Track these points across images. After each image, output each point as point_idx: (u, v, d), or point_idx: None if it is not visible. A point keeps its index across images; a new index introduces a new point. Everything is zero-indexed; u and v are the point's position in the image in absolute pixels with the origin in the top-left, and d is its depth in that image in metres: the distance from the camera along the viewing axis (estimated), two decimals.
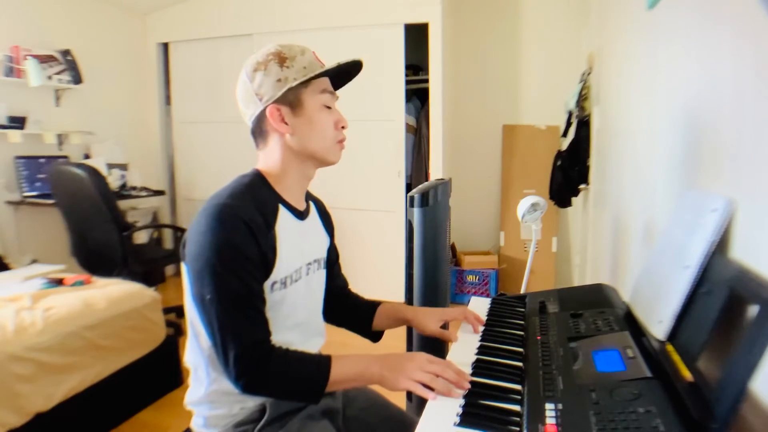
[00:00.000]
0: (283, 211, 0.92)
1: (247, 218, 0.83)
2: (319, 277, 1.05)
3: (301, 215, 0.97)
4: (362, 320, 1.13)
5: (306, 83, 0.89)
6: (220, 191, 0.87)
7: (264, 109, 0.90)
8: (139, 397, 2.11)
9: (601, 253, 2.32)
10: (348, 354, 0.87)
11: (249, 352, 0.81)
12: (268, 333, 0.85)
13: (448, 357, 0.92)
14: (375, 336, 1.15)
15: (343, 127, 0.95)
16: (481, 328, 1.04)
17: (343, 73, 0.97)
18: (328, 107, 0.93)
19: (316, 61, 0.92)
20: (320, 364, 0.84)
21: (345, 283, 1.20)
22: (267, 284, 0.88)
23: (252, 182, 0.91)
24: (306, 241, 0.99)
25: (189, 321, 0.91)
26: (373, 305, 1.13)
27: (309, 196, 1.05)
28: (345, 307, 1.16)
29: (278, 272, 0.89)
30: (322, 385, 0.83)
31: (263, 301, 0.86)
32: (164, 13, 3.88)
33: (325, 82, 0.94)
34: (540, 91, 3.56)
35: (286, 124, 0.90)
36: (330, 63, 0.93)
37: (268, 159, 0.94)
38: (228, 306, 0.81)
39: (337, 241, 1.15)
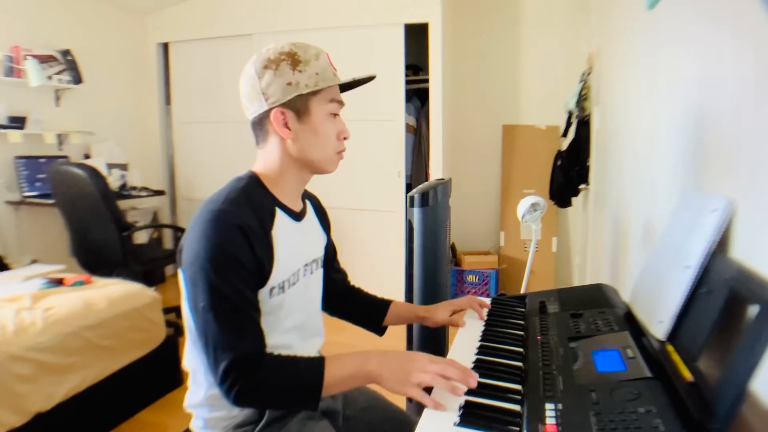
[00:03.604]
0: (280, 214, 0.91)
1: (243, 224, 0.81)
2: (317, 277, 1.05)
3: (297, 216, 0.96)
4: (374, 317, 1.16)
5: (316, 91, 0.87)
6: (215, 196, 0.86)
7: (268, 110, 0.88)
8: (139, 397, 2.11)
9: (601, 253, 2.32)
10: (343, 353, 0.84)
11: (240, 363, 0.77)
12: (261, 343, 0.82)
13: (448, 356, 0.92)
14: (382, 330, 1.17)
15: (345, 138, 0.94)
16: (482, 327, 1.04)
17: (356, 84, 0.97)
18: (335, 115, 0.92)
19: (329, 68, 0.89)
20: (313, 368, 0.80)
21: (345, 276, 1.21)
22: (266, 290, 0.86)
23: (248, 185, 0.89)
24: (304, 241, 0.98)
25: (187, 326, 0.90)
26: (385, 303, 1.16)
27: (304, 194, 1.04)
28: (352, 302, 1.18)
29: (276, 277, 0.88)
30: (318, 390, 0.78)
31: (257, 310, 0.84)
32: (164, 13, 3.88)
33: (335, 90, 0.92)
34: (540, 91, 3.56)
35: (288, 129, 0.88)
36: (337, 66, 0.91)
37: (265, 159, 0.93)
38: (221, 315, 0.78)
39: (334, 237, 1.16)
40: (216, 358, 0.78)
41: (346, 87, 0.97)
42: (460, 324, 1.07)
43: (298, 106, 0.88)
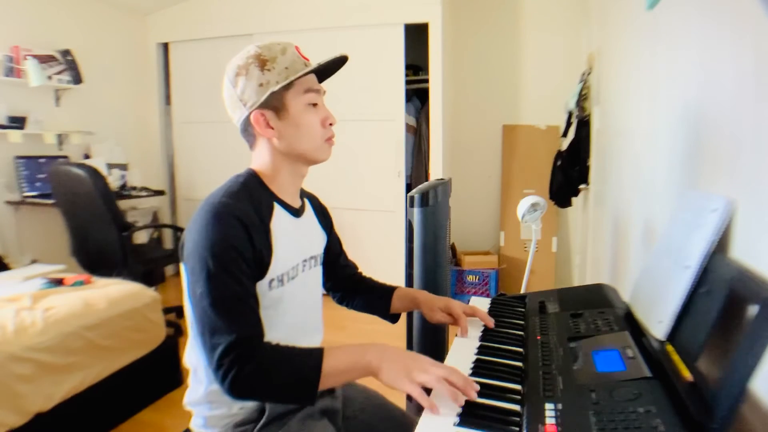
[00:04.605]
0: (278, 209, 0.92)
1: (243, 216, 0.83)
2: (316, 274, 1.05)
3: (296, 213, 0.97)
4: (381, 305, 1.16)
5: (289, 85, 0.88)
6: (215, 191, 0.87)
7: (249, 115, 0.89)
8: (139, 397, 2.11)
9: (601, 253, 2.32)
10: (342, 345, 0.83)
11: (237, 347, 0.76)
12: (258, 331, 0.82)
13: (448, 356, 0.92)
14: (393, 318, 1.18)
15: (330, 124, 0.93)
16: (482, 328, 1.04)
17: (329, 67, 0.95)
18: (314, 104, 0.91)
19: (299, 59, 0.90)
20: (312, 356, 0.79)
21: (355, 268, 1.22)
22: (265, 282, 0.87)
23: (247, 181, 0.91)
24: (302, 238, 0.99)
25: (189, 322, 0.90)
26: (389, 291, 1.16)
27: (304, 193, 1.05)
28: (362, 293, 1.19)
29: (275, 270, 0.89)
30: (315, 380, 0.77)
31: (256, 300, 0.84)
32: (164, 13, 3.88)
33: (310, 80, 0.91)
34: (540, 91, 3.56)
35: (271, 128, 0.89)
36: (315, 59, 0.92)
37: (259, 160, 0.94)
38: (219, 302, 0.79)
39: (338, 231, 1.17)
40: (212, 345, 0.78)
41: (324, 75, 0.97)
42: (463, 333, 1.02)
43: (275, 104, 0.88)
